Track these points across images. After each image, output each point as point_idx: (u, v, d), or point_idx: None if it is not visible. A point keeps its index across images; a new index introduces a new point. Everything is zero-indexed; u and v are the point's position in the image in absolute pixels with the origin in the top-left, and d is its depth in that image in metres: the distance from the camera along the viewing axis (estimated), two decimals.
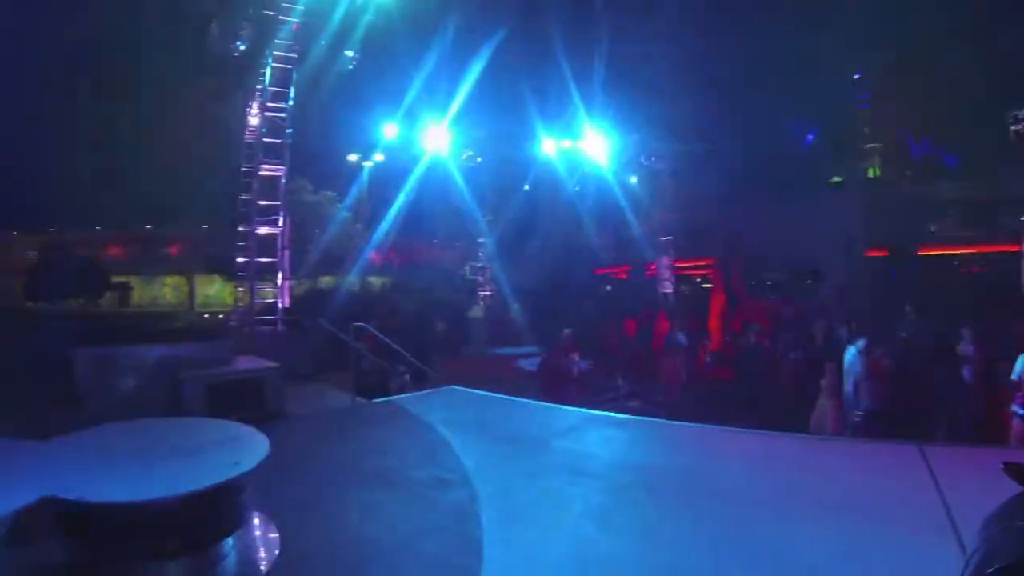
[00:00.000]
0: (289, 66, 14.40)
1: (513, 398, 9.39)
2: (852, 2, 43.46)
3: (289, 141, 14.59)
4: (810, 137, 50.18)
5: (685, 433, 7.98)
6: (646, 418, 8.57)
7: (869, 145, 55.60)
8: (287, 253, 14.57)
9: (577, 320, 17.73)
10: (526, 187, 23.49)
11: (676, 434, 7.93)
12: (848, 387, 10.32)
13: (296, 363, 11.06)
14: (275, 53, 14.20)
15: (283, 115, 14.41)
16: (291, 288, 15.29)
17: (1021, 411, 9.21)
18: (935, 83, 42.95)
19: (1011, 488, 5.17)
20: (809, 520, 5.06)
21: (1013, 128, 23.95)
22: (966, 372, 11.36)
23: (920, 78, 45.39)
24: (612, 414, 8.58)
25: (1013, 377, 9.43)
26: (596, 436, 7.47)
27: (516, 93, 22.57)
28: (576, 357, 12.33)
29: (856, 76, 57.41)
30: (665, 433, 7.94)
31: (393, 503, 5.36)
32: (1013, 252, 26.97)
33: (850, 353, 10.51)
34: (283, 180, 14.65)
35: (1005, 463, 1.54)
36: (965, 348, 11.84)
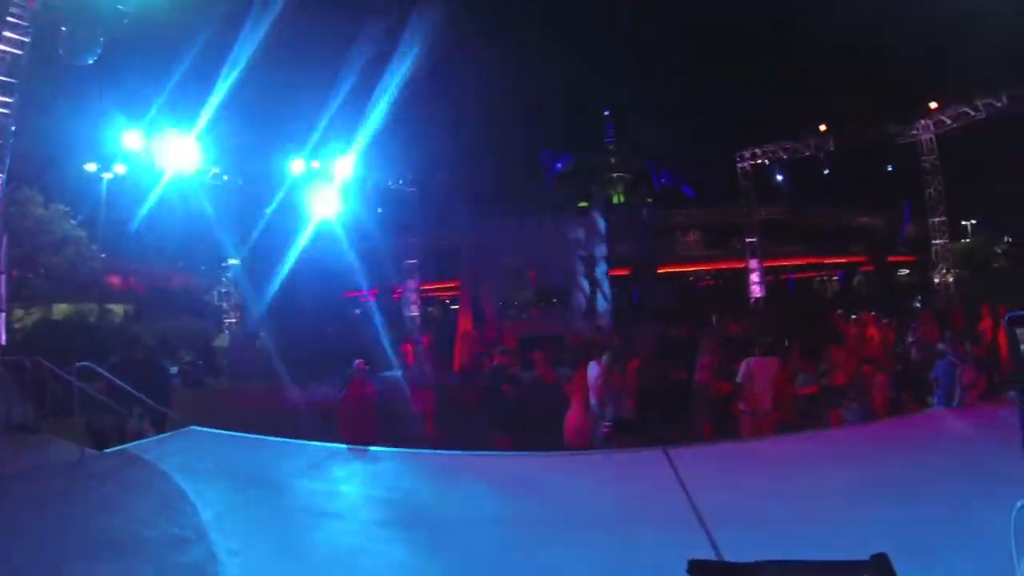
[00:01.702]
0: (20, 52, 11.80)
1: (255, 436, 8.94)
2: (604, 43, 46.16)
3: (12, 142, 12.67)
4: (559, 165, 52.68)
5: (435, 462, 7.99)
6: (394, 449, 8.33)
7: (615, 174, 59.54)
8: (3, 278, 12.76)
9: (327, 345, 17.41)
10: (274, 208, 22.73)
11: (426, 464, 7.92)
12: (592, 399, 10.80)
13: (15, 412, 9.83)
14: (5, 34, 11.64)
15: (7, 111, 12.35)
16: (13, 320, 13.73)
17: (747, 409, 10.25)
18: (677, 122, 46.73)
19: (748, 479, 5.56)
20: (568, 536, 5.19)
21: (739, 165, 27.45)
22: (703, 376, 12.16)
23: (663, 118, 49.18)
24: (358, 447, 8.32)
25: (738, 379, 10.46)
26: (342, 472, 7.29)
27: (267, 111, 21.89)
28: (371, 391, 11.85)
29: (606, 112, 61.38)
30: (415, 463, 7.89)
31: (123, 571, 4.86)
32: (740, 268, 30.66)
33: (593, 367, 11.03)
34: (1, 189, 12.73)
35: (690, 562, 1.68)
36: (704, 355, 12.70)
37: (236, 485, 7.01)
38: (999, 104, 22.34)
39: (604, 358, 10.82)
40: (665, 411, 11.65)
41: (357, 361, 10.94)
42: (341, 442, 8.82)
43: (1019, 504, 1.50)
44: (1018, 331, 1.63)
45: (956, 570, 3.83)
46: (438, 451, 8.65)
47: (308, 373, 14.00)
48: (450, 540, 5.28)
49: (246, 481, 7.07)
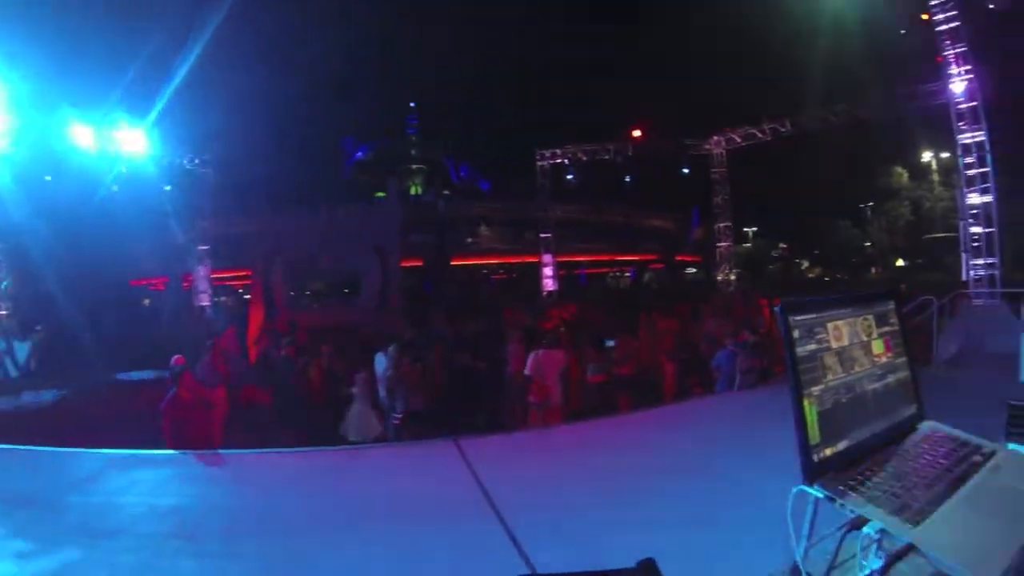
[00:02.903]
0: None
1: (20, 446, 8.08)
2: (410, 35, 46.21)
3: None
4: (359, 154, 52.22)
5: (223, 463, 7.58)
6: (177, 452, 7.79)
7: (415, 166, 59.94)
8: None
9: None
10: (53, 184, 20.90)
11: (212, 467, 7.45)
12: (381, 392, 10.76)
13: None
14: None
15: None
16: None
17: (534, 402, 10.76)
18: (476, 117, 47.68)
19: (542, 468, 5.69)
20: (360, 533, 5.10)
21: (539, 163, 28.79)
22: (515, 365, 12.40)
23: (463, 112, 49.99)
24: (139, 452, 7.65)
25: (527, 372, 10.85)
26: (120, 482, 6.64)
27: (52, 74, 20.18)
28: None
29: (412, 104, 61.51)
30: (200, 467, 7.39)
31: None
32: (534, 263, 32.03)
33: (380, 359, 11.02)
34: None
35: None
36: (511, 346, 12.92)
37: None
38: (783, 129, 26.84)
39: (391, 349, 10.80)
40: (466, 402, 11.84)
41: (175, 358, 10.28)
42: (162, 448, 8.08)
43: (794, 490, 1.61)
44: (790, 319, 1.72)
45: (743, 545, 4.03)
46: (226, 451, 8.20)
47: (90, 371, 13.08)
48: (240, 547, 5.05)
49: (9, 501, 6.28)
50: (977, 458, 1.89)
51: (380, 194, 35.41)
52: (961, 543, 1.48)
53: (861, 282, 39.17)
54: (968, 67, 17.11)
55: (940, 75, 17.93)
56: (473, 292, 34.93)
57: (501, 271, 45.56)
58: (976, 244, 17.13)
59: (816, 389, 1.74)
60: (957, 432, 2.06)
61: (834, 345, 1.84)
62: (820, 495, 1.62)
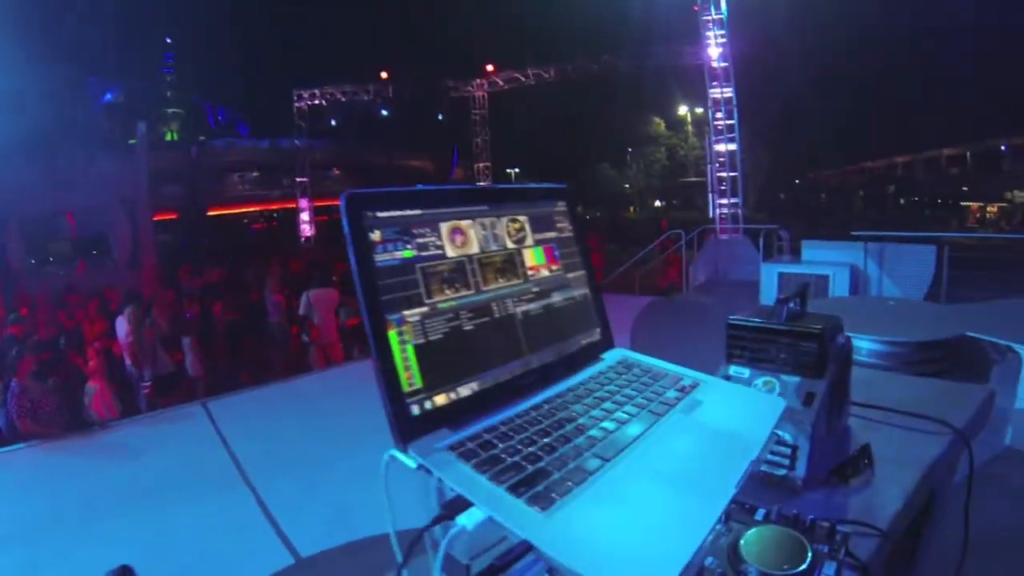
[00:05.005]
0: None
1: None
2: None
3: None
4: (108, 96, 48.08)
5: None
6: None
7: (171, 110, 56.36)
8: None
9: None
10: None
11: None
12: (128, 359, 9.97)
13: None
14: None
15: None
16: None
17: (306, 339, 11.00)
18: (232, 56, 46.18)
19: (287, 420, 6.70)
20: (104, 525, 4.81)
21: (296, 104, 28.59)
22: (277, 314, 12.20)
23: (219, 51, 48.20)
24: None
25: (300, 312, 10.96)
26: None
27: None
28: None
29: (167, 40, 57.36)
30: None
31: None
32: (292, 208, 32.47)
33: (120, 323, 10.13)
34: None
35: None
36: (270, 294, 12.66)
37: None
38: (546, 75, 28.96)
39: (127, 311, 10.08)
40: (229, 357, 11.52)
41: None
42: None
43: (386, 456, 1.04)
44: (367, 216, 1.03)
45: None
46: None
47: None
48: None
49: None
50: (673, 394, 1.39)
51: (133, 141, 33.30)
52: (615, 535, 0.88)
53: (619, 220, 43.24)
54: (722, 32, 19.18)
55: (698, 38, 19.87)
56: (231, 243, 34.01)
57: (261, 219, 44.70)
58: (723, 187, 19.29)
59: (413, 314, 1.13)
60: (652, 361, 1.55)
61: (452, 253, 1.25)
62: (412, 464, 1.05)
